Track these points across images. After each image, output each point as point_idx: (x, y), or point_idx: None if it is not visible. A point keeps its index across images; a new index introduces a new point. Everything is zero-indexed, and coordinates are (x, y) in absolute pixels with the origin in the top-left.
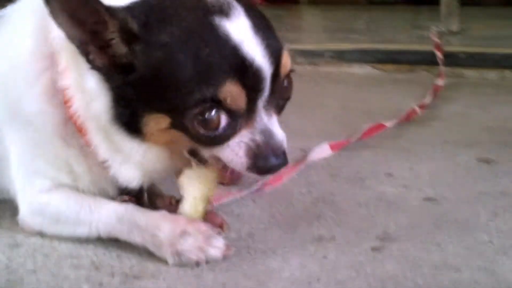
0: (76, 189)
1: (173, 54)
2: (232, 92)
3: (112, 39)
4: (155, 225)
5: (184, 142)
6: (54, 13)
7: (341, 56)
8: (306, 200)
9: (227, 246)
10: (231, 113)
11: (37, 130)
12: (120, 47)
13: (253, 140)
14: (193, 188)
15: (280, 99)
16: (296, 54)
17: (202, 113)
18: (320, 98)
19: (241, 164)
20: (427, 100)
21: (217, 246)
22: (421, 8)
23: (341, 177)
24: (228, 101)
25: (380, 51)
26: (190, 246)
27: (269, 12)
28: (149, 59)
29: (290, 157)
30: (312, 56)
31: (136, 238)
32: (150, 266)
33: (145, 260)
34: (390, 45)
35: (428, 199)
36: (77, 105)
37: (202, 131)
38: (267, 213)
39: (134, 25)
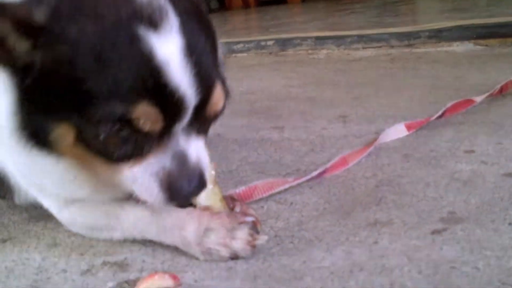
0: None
1: (80, 55)
2: (147, 114)
3: (5, 37)
4: (180, 226)
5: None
6: None
7: (439, 36)
8: (369, 184)
9: (252, 236)
10: (141, 134)
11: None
12: (19, 44)
13: (163, 168)
14: None
15: (206, 121)
16: (391, 38)
17: (107, 130)
18: (410, 80)
19: (156, 198)
20: None
21: (240, 238)
22: None
23: (414, 158)
24: (141, 123)
25: (481, 26)
26: (215, 242)
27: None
28: (51, 54)
29: (361, 140)
30: (408, 38)
31: (165, 239)
32: (183, 260)
33: (179, 254)
34: (491, 19)
35: (509, 174)
36: None
37: (103, 147)
38: (323, 199)
39: (37, 16)
